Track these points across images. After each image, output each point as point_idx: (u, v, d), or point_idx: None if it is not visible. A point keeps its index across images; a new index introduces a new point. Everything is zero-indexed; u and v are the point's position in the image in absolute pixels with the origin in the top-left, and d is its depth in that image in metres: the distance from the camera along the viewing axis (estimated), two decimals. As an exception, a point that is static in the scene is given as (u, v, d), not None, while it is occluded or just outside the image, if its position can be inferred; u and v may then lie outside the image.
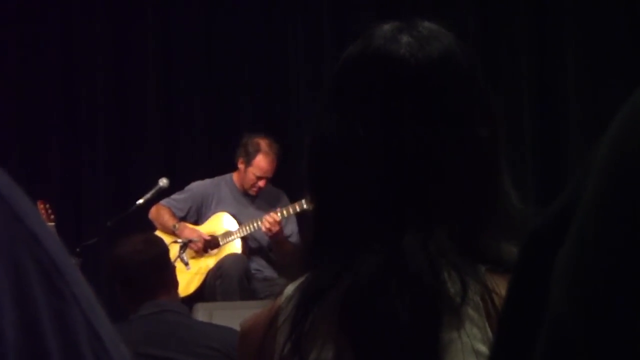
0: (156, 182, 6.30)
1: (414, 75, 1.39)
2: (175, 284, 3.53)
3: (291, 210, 6.14)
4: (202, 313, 4.80)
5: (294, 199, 6.27)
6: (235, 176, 6.40)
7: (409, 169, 1.37)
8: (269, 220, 6.07)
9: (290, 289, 1.41)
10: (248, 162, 6.25)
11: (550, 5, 6.85)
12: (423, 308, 1.31)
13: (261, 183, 6.28)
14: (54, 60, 7.22)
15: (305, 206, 6.02)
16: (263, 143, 6.25)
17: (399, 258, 1.33)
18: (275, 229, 6.08)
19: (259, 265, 6.24)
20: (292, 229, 6.28)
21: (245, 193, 6.36)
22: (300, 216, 6.20)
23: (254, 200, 6.36)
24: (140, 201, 6.21)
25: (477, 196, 1.39)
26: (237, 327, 3.96)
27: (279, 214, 6.10)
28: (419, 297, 1.31)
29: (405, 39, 1.41)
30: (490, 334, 1.31)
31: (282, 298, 1.41)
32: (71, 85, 7.26)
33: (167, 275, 3.48)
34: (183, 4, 7.25)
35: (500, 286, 1.33)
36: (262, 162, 6.24)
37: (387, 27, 1.44)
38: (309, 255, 1.42)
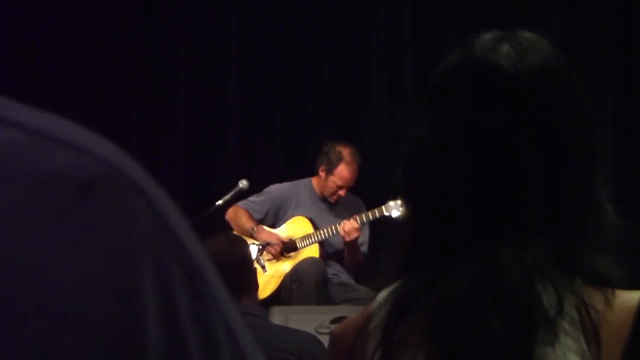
0: (236, 184, 6.31)
1: (512, 85, 1.39)
2: (255, 286, 3.52)
3: (365, 218, 6.11)
4: (279, 316, 4.79)
5: (367, 206, 6.25)
6: (314, 181, 6.38)
7: (506, 180, 1.36)
8: (349, 225, 6.04)
9: (382, 295, 1.41)
10: (329, 171, 6.21)
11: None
12: (517, 321, 1.30)
13: (342, 192, 6.24)
14: (135, 60, 7.29)
15: (384, 213, 6.00)
16: (345, 152, 6.20)
17: (495, 270, 1.32)
18: (354, 235, 6.05)
19: (335, 270, 6.22)
20: (364, 239, 6.24)
21: (325, 199, 6.34)
22: (373, 224, 6.18)
23: (333, 207, 6.33)
24: (220, 202, 6.21)
25: (573, 208, 1.37)
26: (313, 331, 3.93)
27: (358, 221, 6.06)
28: (514, 310, 1.30)
29: (505, 49, 1.41)
30: (585, 346, 1.29)
31: (375, 304, 1.41)
32: (152, 86, 7.33)
33: (248, 277, 3.47)
34: (265, 9, 7.28)
35: (596, 299, 1.31)
36: (344, 172, 6.19)
37: (487, 36, 1.44)
38: (402, 263, 1.42)
